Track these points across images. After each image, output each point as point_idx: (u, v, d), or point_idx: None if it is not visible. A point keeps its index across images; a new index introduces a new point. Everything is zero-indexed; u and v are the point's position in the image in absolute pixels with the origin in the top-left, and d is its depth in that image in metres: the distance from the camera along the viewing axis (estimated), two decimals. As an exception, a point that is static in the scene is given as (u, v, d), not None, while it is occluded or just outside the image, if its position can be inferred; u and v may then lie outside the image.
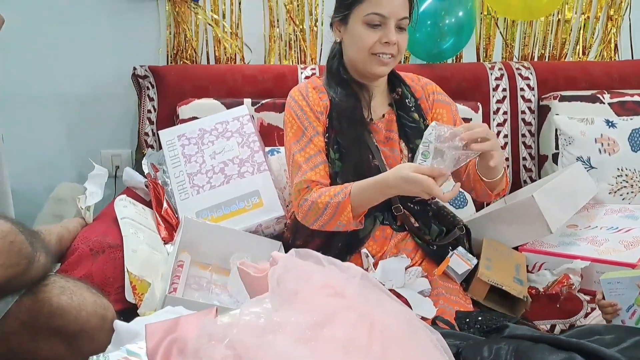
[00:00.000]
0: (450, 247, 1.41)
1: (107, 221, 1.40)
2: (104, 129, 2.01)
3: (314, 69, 1.90)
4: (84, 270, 1.22)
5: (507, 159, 1.97)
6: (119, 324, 0.90)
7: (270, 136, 1.73)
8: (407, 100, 1.41)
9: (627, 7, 2.11)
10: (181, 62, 1.97)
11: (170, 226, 1.45)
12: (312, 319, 0.56)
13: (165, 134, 1.63)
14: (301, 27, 2.00)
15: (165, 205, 1.50)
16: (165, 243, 1.40)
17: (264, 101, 1.78)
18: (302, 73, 1.88)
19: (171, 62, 1.97)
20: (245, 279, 0.85)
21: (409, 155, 1.38)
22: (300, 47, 2.02)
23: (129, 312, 1.16)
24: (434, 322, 1.04)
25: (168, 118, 1.78)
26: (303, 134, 1.34)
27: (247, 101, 1.76)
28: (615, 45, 2.16)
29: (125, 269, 1.17)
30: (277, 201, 1.49)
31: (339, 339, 0.55)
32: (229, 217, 1.48)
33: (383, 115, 1.41)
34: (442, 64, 2.05)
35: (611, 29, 2.14)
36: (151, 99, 1.84)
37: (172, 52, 1.97)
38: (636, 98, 1.91)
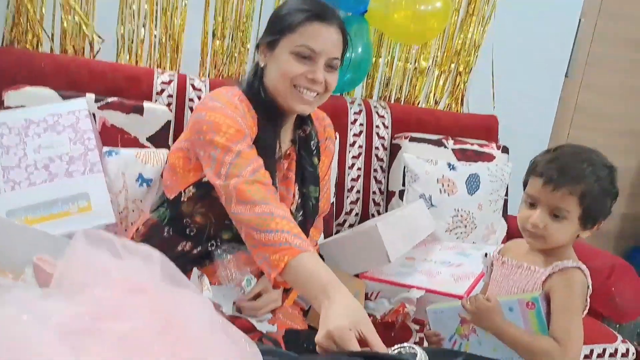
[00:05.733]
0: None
1: None
2: None
3: (172, 75, 1.79)
4: None
5: (358, 192, 2.01)
6: None
7: (112, 139, 1.57)
8: (311, 143, 1.34)
9: (473, 63, 2.32)
10: (19, 46, 1.74)
11: (-31, 224, 1.22)
12: (90, 312, 0.46)
13: (-19, 119, 1.40)
14: (164, 31, 1.89)
15: (-33, 199, 1.26)
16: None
17: (110, 99, 1.62)
18: (158, 78, 1.76)
19: (7, 44, 1.74)
20: (39, 277, 0.71)
21: (299, 201, 1.31)
22: (160, 52, 1.91)
23: None
24: (260, 340, 0.97)
25: (-10, 103, 1.54)
26: (245, 137, 1.16)
27: (90, 96, 1.59)
28: (462, 99, 2.35)
29: None
30: (108, 206, 1.33)
31: (119, 334, 0.45)
32: (48, 220, 1.29)
33: (286, 152, 1.32)
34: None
35: (459, 83, 2.34)
36: (-27, 80, 1.58)
37: (9, 33, 1.74)
38: (475, 147, 2.08)
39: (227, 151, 1.13)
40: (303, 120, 1.35)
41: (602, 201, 1.05)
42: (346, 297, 0.92)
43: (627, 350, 1.59)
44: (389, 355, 0.75)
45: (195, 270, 1.21)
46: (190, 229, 1.25)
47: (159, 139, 1.64)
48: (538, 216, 1.05)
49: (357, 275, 1.54)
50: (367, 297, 1.51)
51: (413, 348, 0.80)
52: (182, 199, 1.25)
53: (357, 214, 2.01)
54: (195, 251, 1.23)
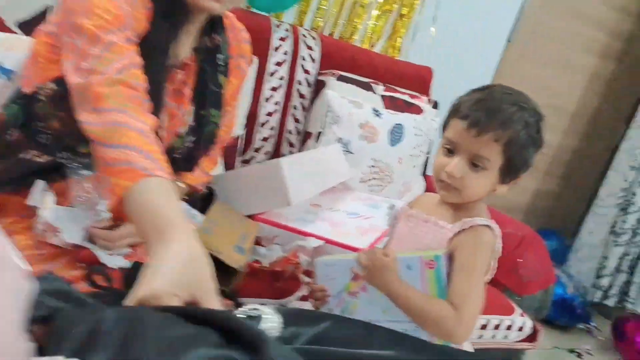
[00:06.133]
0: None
1: None
2: None
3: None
4: None
5: (272, 128, 1.81)
6: None
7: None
8: (219, 57, 1.09)
9: (417, 8, 2.14)
10: None
11: None
12: None
13: None
14: None
15: None
16: None
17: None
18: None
19: None
20: None
21: (194, 124, 1.08)
22: None
23: None
24: (87, 277, 0.76)
25: None
26: (125, 27, 0.91)
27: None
28: (400, 45, 2.18)
29: None
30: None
31: None
32: None
33: (184, 61, 1.06)
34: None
35: (400, 28, 2.16)
36: None
37: None
38: (406, 97, 1.93)
39: (96, 41, 0.89)
40: (214, 28, 1.10)
41: (527, 151, 0.92)
42: (186, 244, 0.67)
43: (524, 324, 1.54)
44: (207, 310, 0.57)
45: (39, 182, 0.96)
46: (44, 136, 1.00)
47: (33, 28, 1.35)
48: (456, 165, 0.91)
49: (251, 217, 1.36)
50: (259, 242, 1.34)
51: (258, 309, 0.62)
52: (38, 96, 1.00)
53: (267, 153, 1.82)
54: (42, 159, 0.99)
